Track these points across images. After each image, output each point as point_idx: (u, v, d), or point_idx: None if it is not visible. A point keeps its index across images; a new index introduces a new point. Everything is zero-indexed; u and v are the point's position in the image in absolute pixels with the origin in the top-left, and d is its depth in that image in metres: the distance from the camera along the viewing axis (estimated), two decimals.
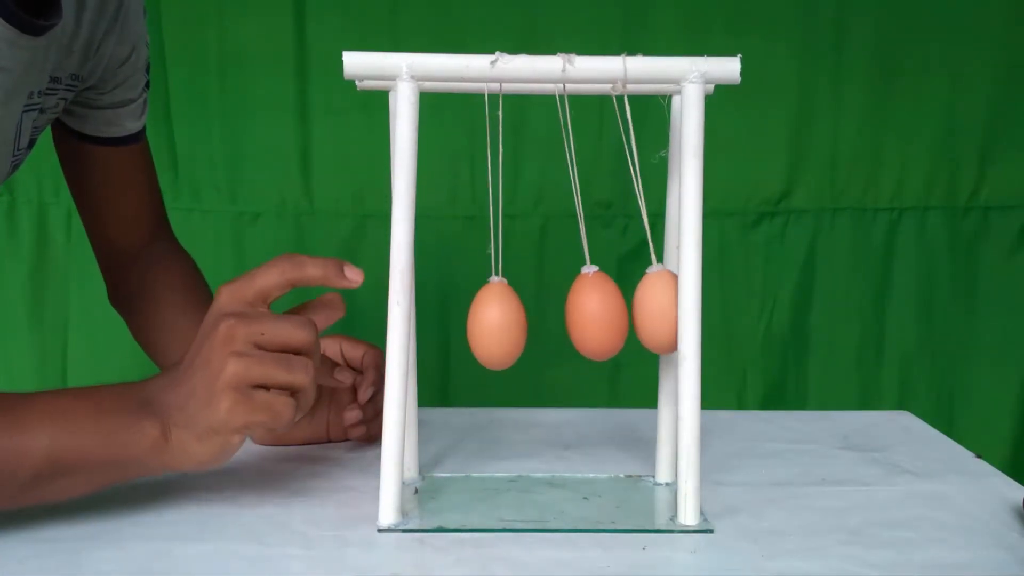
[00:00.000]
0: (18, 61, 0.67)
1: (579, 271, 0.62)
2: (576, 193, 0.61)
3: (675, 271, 0.61)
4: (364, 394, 0.73)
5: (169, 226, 0.93)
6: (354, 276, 0.61)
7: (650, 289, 0.61)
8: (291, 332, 0.58)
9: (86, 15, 0.75)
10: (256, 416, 0.57)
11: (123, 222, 0.89)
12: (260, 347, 0.57)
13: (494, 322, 0.61)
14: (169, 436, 0.57)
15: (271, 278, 0.59)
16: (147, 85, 0.86)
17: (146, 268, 0.88)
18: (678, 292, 0.60)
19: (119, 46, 0.80)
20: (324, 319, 0.62)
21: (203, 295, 0.87)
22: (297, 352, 0.59)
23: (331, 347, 0.74)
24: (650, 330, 0.61)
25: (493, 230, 0.60)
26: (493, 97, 0.60)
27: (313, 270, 0.60)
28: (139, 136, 0.87)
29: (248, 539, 0.59)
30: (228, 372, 0.56)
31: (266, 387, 0.57)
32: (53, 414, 0.57)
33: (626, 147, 0.58)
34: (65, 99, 0.78)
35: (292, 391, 0.58)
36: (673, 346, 0.61)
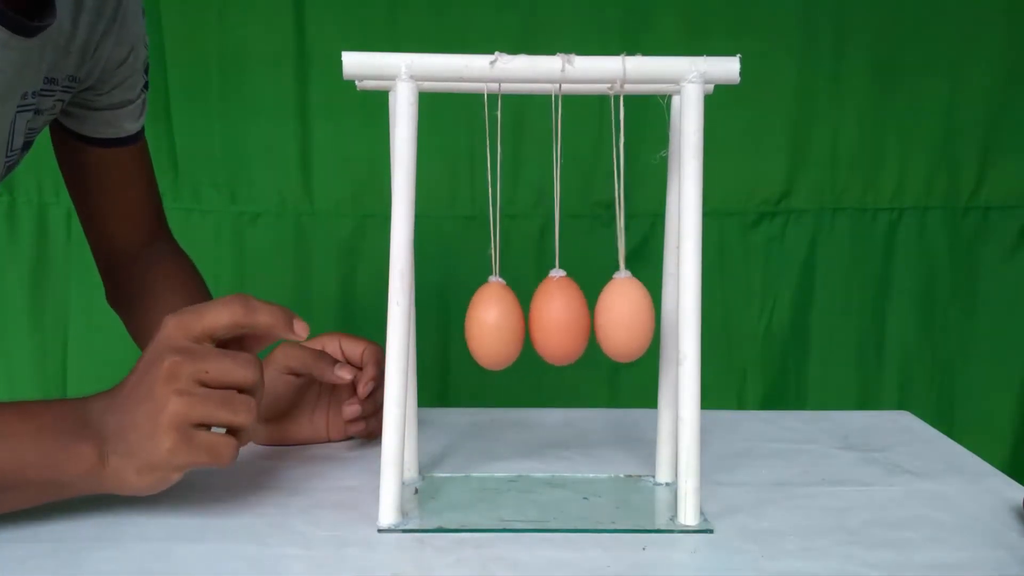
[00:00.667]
0: (10, 62, 0.67)
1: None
2: (556, 195, 0.62)
3: (675, 271, 0.61)
4: (364, 389, 0.73)
5: (168, 226, 0.93)
6: (300, 331, 0.61)
7: (610, 296, 0.61)
8: (235, 371, 0.58)
9: (83, 16, 0.75)
10: (197, 457, 0.57)
11: (121, 222, 0.89)
12: (204, 384, 0.57)
13: (491, 322, 0.61)
14: (106, 462, 0.57)
15: (221, 319, 0.59)
16: (146, 86, 0.86)
17: (145, 269, 0.88)
18: (678, 292, 0.60)
19: (117, 47, 0.80)
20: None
21: (202, 296, 0.87)
22: (241, 390, 0.58)
23: (331, 344, 0.74)
24: (611, 338, 0.61)
25: (493, 230, 0.60)
26: (493, 97, 0.60)
27: (264, 318, 0.60)
28: (137, 137, 0.87)
29: (248, 539, 0.59)
30: (170, 410, 0.56)
31: (208, 425, 0.57)
32: None
33: (614, 149, 0.58)
34: (63, 100, 0.78)
35: (234, 430, 0.58)
36: (634, 354, 0.61)
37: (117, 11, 0.79)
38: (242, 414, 0.58)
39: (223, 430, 0.59)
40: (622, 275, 0.62)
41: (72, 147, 0.85)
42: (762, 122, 1.49)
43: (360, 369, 0.74)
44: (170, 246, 0.92)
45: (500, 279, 0.62)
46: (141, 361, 0.59)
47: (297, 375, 0.73)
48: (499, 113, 0.58)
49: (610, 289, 0.61)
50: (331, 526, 0.61)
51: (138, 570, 0.54)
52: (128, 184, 0.88)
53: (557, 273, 0.62)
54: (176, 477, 0.58)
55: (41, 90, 0.73)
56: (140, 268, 0.88)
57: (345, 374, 0.72)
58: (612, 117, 0.58)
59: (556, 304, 0.61)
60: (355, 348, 0.74)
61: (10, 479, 0.56)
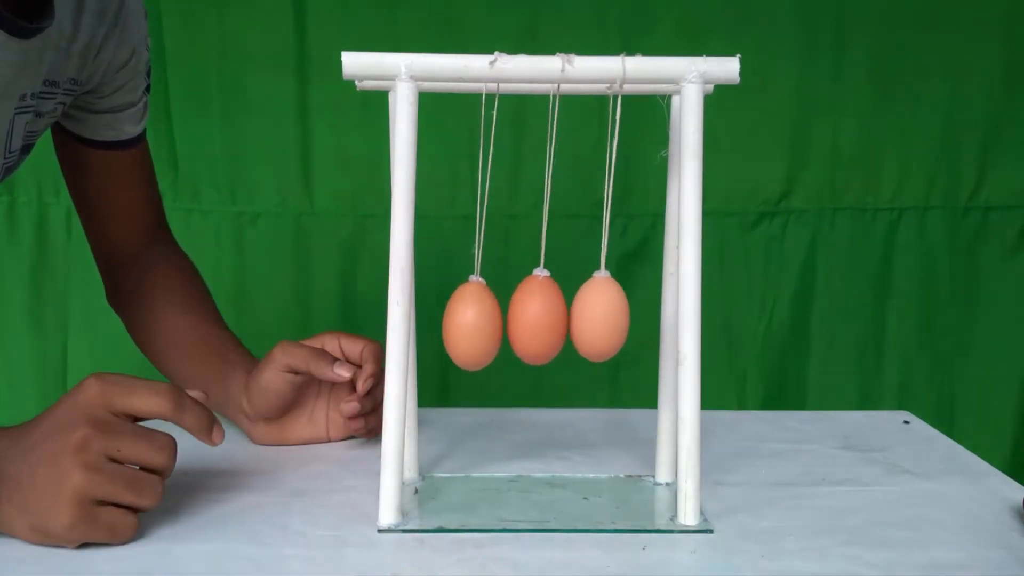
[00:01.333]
0: (7, 63, 0.67)
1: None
2: (547, 194, 0.61)
3: (675, 271, 0.61)
4: (363, 386, 0.72)
5: (168, 228, 0.93)
6: (217, 439, 0.60)
7: (585, 296, 0.61)
8: (149, 455, 0.57)
9: (85, 19, 0.75)
10: (95, 534, 0.56)
11: (122, 224, 0.89)
12: (114, 460, 0.56)
13: (468, 323, 0.61)
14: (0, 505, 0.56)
15: (148, 406, 0.57)
16: (148, 89, 0.86)
17: (145, 269, 0.88)
18: (678, 292, 0.60)
19: (119, 50, 0.80)
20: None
21: (202, 296, 0.87)
22: (150, 470, 0.57)
23: (330, 343, 0.74)
24: (583, 336, 0.61)
25: (479, 228, 0.60)
26: (490, 96, 0.60)
27: (189, 420, 0.59)
28: (139, 139, 0.87)
29: (248, 539, 0.59)
30: (74, 484, 0.54)
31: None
32: None
33: (608, 148, 0.58)
34: (64, 103, 0.78)
35: (136, 510, 0.57)
36: (607, 353, 0.61)
37: (119, 14, 0.79)
38: (147, 498, 0.57)
39: None
40: (601, 275, 0.62)
41: (73, 149, 0.85)
42: (762, 122, 1.49)
43: (359, 367, 0.74)
44: (171, 247, 0.92)
45: (480, 279, 0.62)
46: (53, 414, 0.57)
47: (296, 373, 0.72)
48: (495, 112, 0.58)
49: (586, 288, 0.61)
50: (331, 526, 0.61)
51: (138, 570, 0.54)
52: (129, 186, 0.88)
53: (541, 272, 0.62)
54: (70, 547, 0.56)
55: (41, 92, 0.73)
56: (140, 269, 0.88)
57: (344, 372, 0.72)
58: (609, 117, 0.58)
59: (533, 303, 0.61)
60: (354, 346, 0.74)
61: None
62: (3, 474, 0.56)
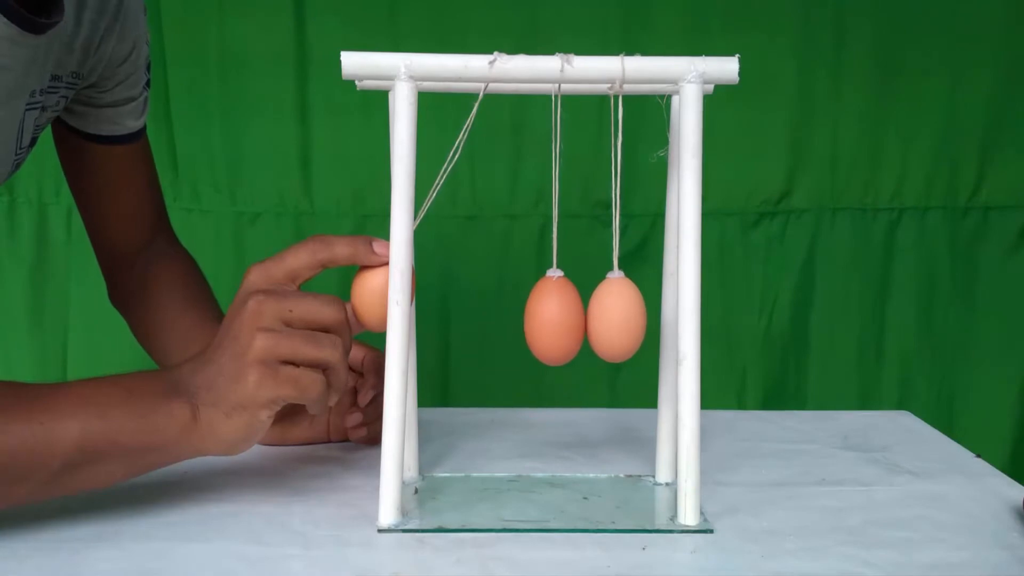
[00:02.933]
0: (20, 59, 0.67)
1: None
2: (555, 195, 0.61)
3: (675, 271, 0.61)
4: (365, 397, 0.73)
5: (170, 225, 0.93)
6: (382, 251, 0.61)
7: (602, 297, 0.61)
8: (320, 309, 0.59)
9: (86, 13, 0.75)
10: (284, 390, 0.57)
11: (123, 220, 0.89)
12: (289, 324, 0.58)
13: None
14: (198, 416, 0.58)
15: (301, 259, 0.60)
16: (148, 83, 0.86)
17: (146, 267, 0.88)
18: (678, 292, 0.60)
19: (119, 44, 0.80)
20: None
21: (204, 294, 0.87)
22: (326, 330, 0.59)
23: None
24: (602, 338, 0.61)
25: (555, 223, 0.60)
26: (489, 96, 0.60)
27: (342, 249, 0.60)
28: (140, 134, 0.87)
29: (248, 539, 0.59)
30: (256, 347, 0.57)
31: (295, 363, 0.58)
32: (82, 401, 0.57)
33: (612, 149, 0.58)
34: (66, 97, 0.78)
35: (321, 368, 0.59)
36: (625, 354, 0.61)
37: (119, 8, 0.79)
38: (328, 350, 0.58)
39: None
40: (615, 275, 0.62)
41: (74, 145, 0.85)
42: (762, 122, 1.49)
43: (361, 375, 0.74)
44: (172, 244, 0.92)
45: (559, 271, 0.62)
46: (227, 314, 0.59)
47: None
48: (473, 110, 0.58)
49: (603, 289, 0.61)
50: (331, 526, 0.61)
51: (138, 570, 0.54)
52: (130, 182, 0.88)
53: (555, 273, 0.62)
54: (265, 416, 0.58)
55: (48, 87, 0.73)
56: (142, 266, 0.88)
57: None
58: (611, 117, 0.58)
59: (551, 304, 0.61)
60: (356, 354, 0.74)
61: (103, 448, 0.56)
62: (195, 387, 0.58)
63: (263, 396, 0.57)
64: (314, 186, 1.48)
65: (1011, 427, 1.58)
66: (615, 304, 0.61)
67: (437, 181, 0.59)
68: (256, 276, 0.60)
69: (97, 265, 0.92)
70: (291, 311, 0.58)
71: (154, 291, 0.86)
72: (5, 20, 0.63)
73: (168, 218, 0.93)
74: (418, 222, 0.58)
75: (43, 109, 0.75)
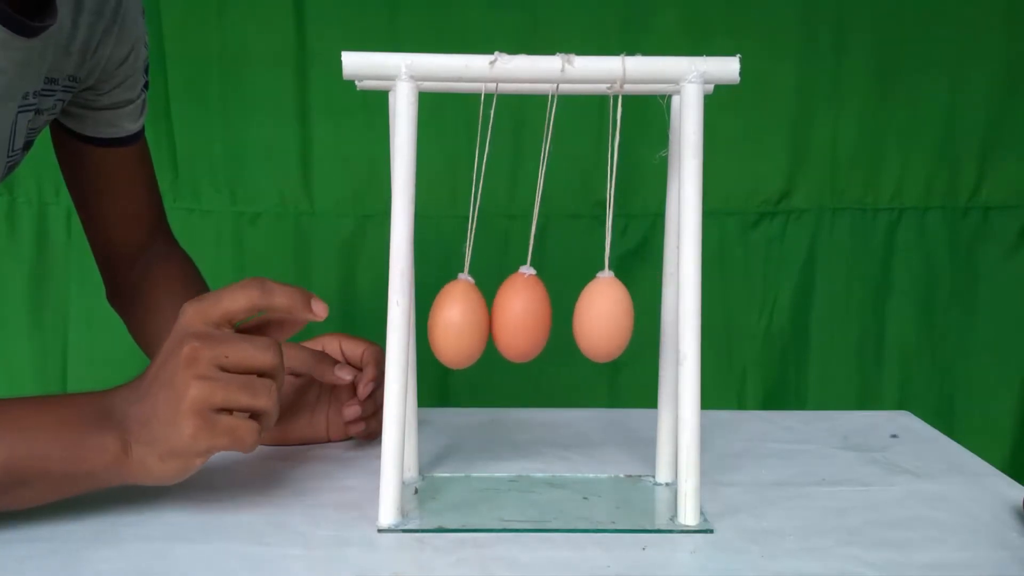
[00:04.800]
0: (12, 62, 0.67)
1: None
2: (538, 192, 0.62)
3: (675, 271, 0.61)
4: (364, 389, 0.73)
5: (168, 226, 0.93)
6: (319, 311, 0.61)
7: (588, 296, 0.61)
8: (255, 355, 0.58)
9: (83, 16, 0.75)
10: (219, 441, 0.57)
11: (122, 222, 0.89)
12: (224, 369, 0.57)
13: (455, 321, 0.61)
14: (130, 451, 0.57)
15: (238, 302, 0.59)
16: (146, 86, 0.86)
17: (145, 268, 0.88)
18: (678, 292, 0.60)
19: (117, 47, 0.80)
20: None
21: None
22: (261, 374, 0.59)
23: (331, 345, 0.74)
24: (586, 337, 0.61)
25: (470, 227, 0.60)
26: (488, 96, 0.60)
27: (281, 299, 0.60)
28: (138, 137, 0.87)
29: (248, 539, 0.59)
30: (191, 396, 0.56)
31: (229, 410, 0.57)
32: (12, 424, 0.56)
33: (609, 148, 0.58)
34: (63, 100, 0.78)
35: (255, 414, 0.58)
36: (610, 354, 0.61)
37: (117, 11, 0.79)
38: (263, 398, 0.58)
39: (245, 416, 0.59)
40: (605, 275, 0.62)
41: (72, 147, 0.85)
42: (762, 122, 1.49)
43: (360, 370, 0.74)
44: (171, 245, 0.92)
45: (469, 277, 0.62)
46: (162, 351, 0.59)
47: (297, 375, 0.73)
48: (491, 112, 0.58)
49: (590, 289, 0.61)
50: (331, 526, 0.61)
51: (138, 570, 0.54)
52: (128, 184, 0.88)
53: (528, 271, 0.62)
54: (199, 463, 0.58)
55: (42, 90, 0.73)
56: (140, 268, 0.88)
57: (345, 375, 0.72)
58: (610, 117, 0.58)
59: (518, 302, 0.61)
60: (355, 349, 0.74)
61: (33, 472, 0.56)
62: (128, 421, 0.58)
63: (198, 447, 0.57)
64: (314, 186, 1.48)
65: (1011, 427, 1.58)
66: (599, 303, 0.61)
67: (476, 191, 0.58)
68: (192, 316, 0.59)
69: (89, 270, 0.92)
70: (227, 357, 0.57)
71: (152, 291, 0.86)
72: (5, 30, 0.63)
73: (166, 219, 0.93)
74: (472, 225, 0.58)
75: (38, 112, 0.75)
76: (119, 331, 0.91)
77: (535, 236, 0.62)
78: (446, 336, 0.61)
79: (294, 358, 0.72)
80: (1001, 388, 1.57)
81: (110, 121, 0.84)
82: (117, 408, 0.58)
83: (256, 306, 0.59)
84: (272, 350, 0.59)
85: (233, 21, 1.44)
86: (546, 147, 0.60)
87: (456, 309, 0.61)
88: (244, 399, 0.57)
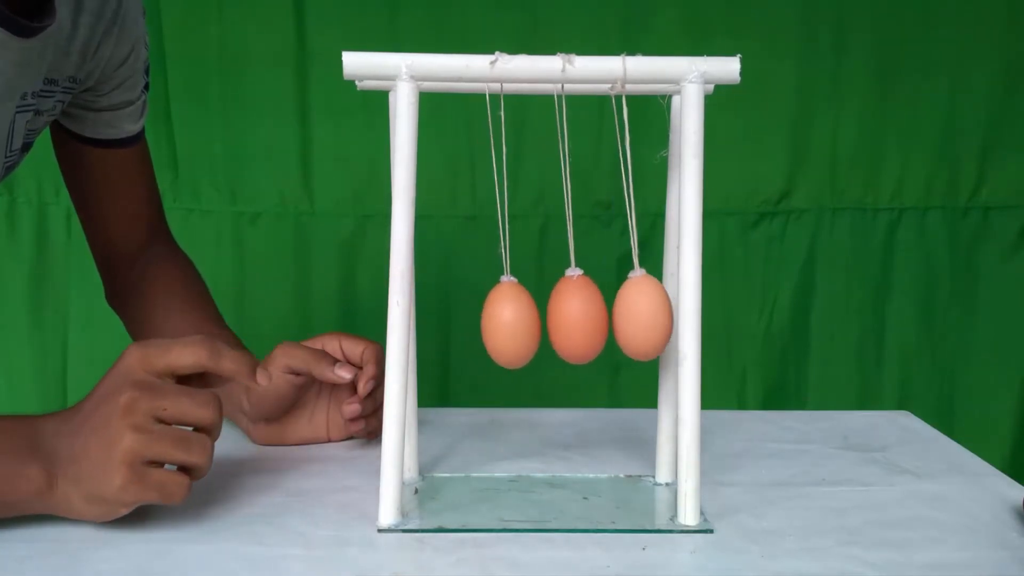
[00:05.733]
0: (9, 63, 0.67)
1: (582, 271, 0.62)
2: (567, 194, 0.61)
3: (675, 271, 0.61)
4: (364, 387, 0.73)
5: (167, 227, 0.93)
6: (263, 380, 0.60)
7: (629, 295, 0.61)
8: (193, 410, 0.57)
9: (83, 17, 0.75)
10: (148, 494, 0.56)
11: (121, 223, 0.89)
12: (160, 421, 0.56)
13: (508, 320, 0.60)
14: (55, 486, 0.57)
15: (185, 359, 0.58)
16: (146, 87, 0.86)
17: (144, 268, 0.88)
18: (678, 292, 0.60)
19: (118, 47, 0.80)
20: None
21: (200, 295, 0.87)
22: (198, 428, 0.58)
23: (331, 344, 0.74)
24: (631, 336, 0.61)
25: (502, 230, 0.60)
26: (493, 97, 0.60)
27: (228, 365, 0.59)
28: (138, 138, 0.87)
29: (248, 539, 0.59)
30: (124, 446, 0.55)
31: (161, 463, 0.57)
32: None
33: (620, 149, 0.58)
34: (63, 101, 0.78)
35: (187, 469, 0.58)
36: (654, 352, 0.61)
37: (117, 12, 0.79)
38: (196, 454, 0.57)
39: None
40: (638, 273, 0.61)
41: (72, 148, 0.85)
42: (762, 122, 1.49)
43: (360, 368, 0.74)
44: (170, 246, 0.92)
45: (513, 278, 0.61)
46: (99, 388, 0.58)
47: (297, 374, 0.73)
48: (502, 113, 0.58)
49: (629, 288, 0.61)
50: (331, 526, 0.61)
51: (138, 570, 0.54)
52: (128, 185, 0.88)
53: (574, 272, 0.61)
54: (125, 511, 0.57)
55: (41, 91, 0.73)
56: (140, 268, 0.88)
57: (345, 373, 0.72)
58: (615, 118, 0.58)
59: (575, 303, 0.60)
60: (355, 347, 0.74)
61: None
62: (56, 452, 0.57)
63: (126, 498, 0.56)
64: (314, 186, 1.48)
65: (1011, 427, 1.58)
66: (644, 303, 0.60)
67: (500, 194, 0.58)
68: (135, 361, 0.57)
69: (89, 270, 0.92)
70: (165, 409, 0.56)
71: (152, 293, 0.86)
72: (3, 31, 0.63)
73: (166, 220, 0.93)
74: (511, 222, 0.58)
75: (37, 113, 0.75)
76: (119, 331, 0.91)
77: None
78: (501, 336, 0.60)
79: (294, 357, 0.72)
80: (1001, 388, 1.57)
81: (110, 122, 0.84)
82: (47, 439, 0.58)
83: (203, 367, 0.58)
84: (211, 406, 0.58)
85: (233, 21, 1.44)
86: (564, 148, 0.59)
87: (508, 309, 0.60)
88: (178, 454, 0.57)
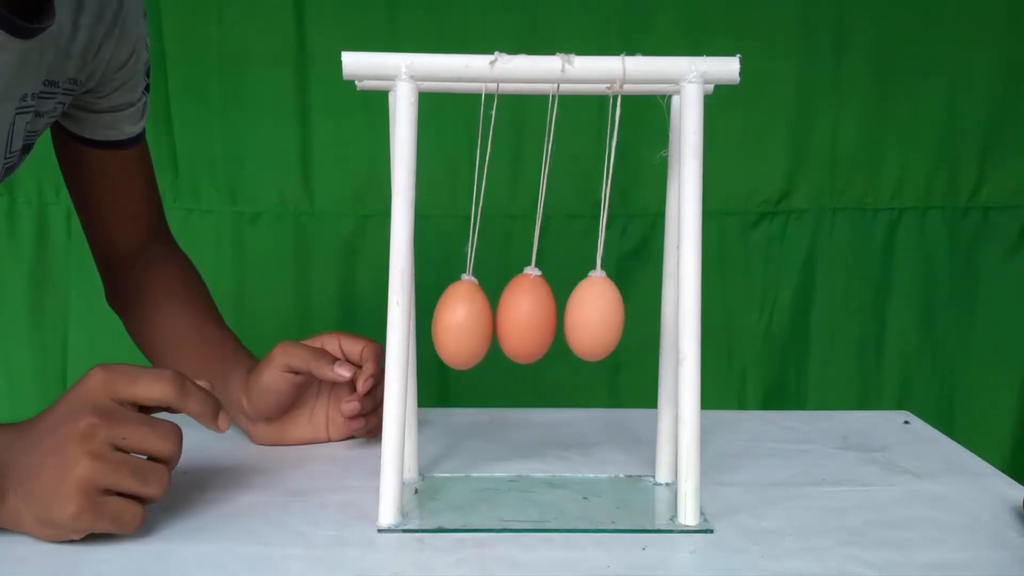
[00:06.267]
0: (7, 64, 0.67)
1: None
2: (541, 193, 0.61)
3: (675, 271, 0.61)
4: (363, 385, 0.72)
5: (167, 227, 0.93)
6: (223, 425, 0.60)
7: (579, 296, 0.61)
8: (154, 442, 0.57)
9: (84, 19, 0.75)
10: (101, 524, 0.56)
11: (121, 224, 0.89)
12: (119, 449, 0.56)
13: (458, 322, 0.60)
14: (6, 500, 0.56)
15: (152, 392, 0.57)
16: (147, 88, 0.86)
17: (144, 269, 0.88)
18: (678, 292, 0.60)
19: (118, 49, 0.80)
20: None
21: (200, 296, 0.87)
22: (156, 457, 0.57)
23: (330, 343, 0.74)
24: (577, 337, 0.61)
25: (472, 228, 0.60)
26: (490, 97, 0.60)
27: (193, 406, 0.58)
28: (138, 139, 0.87)
29: (248, 539, 0.59)
30: (80, 474, 0.54)
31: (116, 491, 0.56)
32: None
33: (607, 147, 0.58)
34: (63, 103, 0.78)
35: (142, 499, 0.57)
36: (598, 354, 0.61)
37: (118, 14, 0.79)
38: (153, 486, 0.57)
39: None
40: (597, 274, 0.61)
41: (72, 149, 0.85)
42: (762, 122, 1.49)
43: (359, 367, 0.74)
44: (170, 247, 0.92)
45: (472, 278, 0.62)
46: (59, 406, 0.57)
47: (296, 373, 0.72)
48: (494, 111, 0.58)
49: (580, 288, 0.61)
50: (331, 526, 0.61)
51: (138, 570, 0.54)
52: (128, 186, 0.88)
53: (532, 271, 0.62)
54: (76, 537, 0.56)
55: (41, 92, 0.73)
56: (139, 269, 0.88)
57: (344, 372, 0.72)
58: (609, 117, 0.58)
59: (523, 302, 0.61)
60: (355, 346, 0.74)
61: None
62: (9, 466, 0.56)
63: (78, 526, 0.55)
64: (314, 186, 1.48)
65: (1011, 427, 1.58)
66: (589, 302, 0.61)
67: (478, 191, 0.58)
68: (99, 385, 0.56)
69: (89, 270, 0.92)
70: (124, 439, 0.55)
71: (152, 293, 0.86)
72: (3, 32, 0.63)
73: (166, 221, 0.93)
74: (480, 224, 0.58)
75: (37, 114, 0.74)
76: (119, 331, 0.91)
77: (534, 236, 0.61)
78: (449, 337, 0.61)
79: (293, 356, 0.72)
80: (1001, 388, 1.57)
81: (110, 124, 0.84)
82: (0, 451, 0.57)
83: (168, 404, 0.58)
84: (171, 439, 0.57)
85: (233, 21, 1.44)
86: (548, 148, 0.60)
87: (460, 310, 0.61)
88: (134, 485, 0.56)
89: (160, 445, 0.57)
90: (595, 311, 0.61)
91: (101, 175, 0.86)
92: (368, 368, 0.73)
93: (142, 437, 0.56)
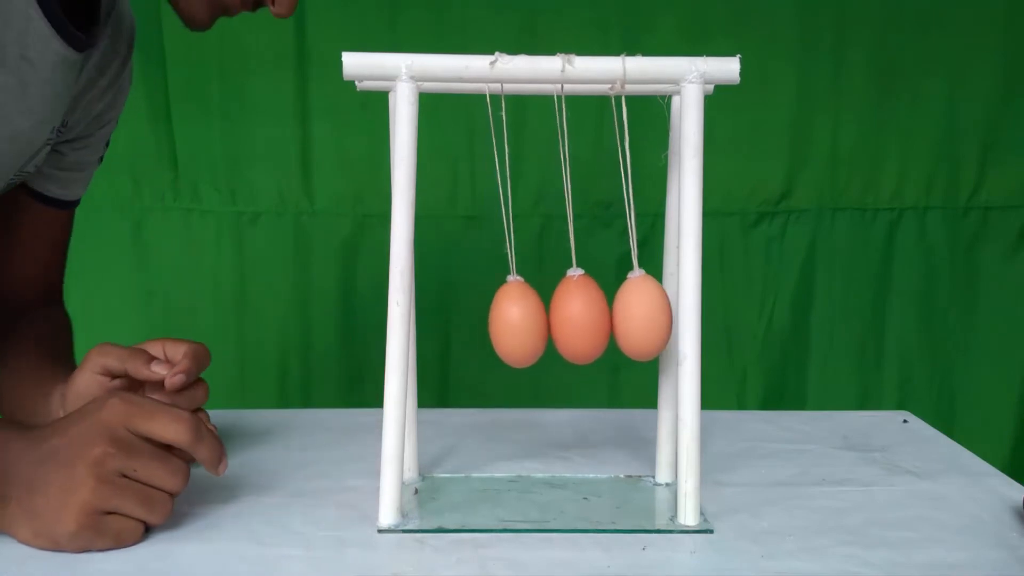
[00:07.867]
0: (65, 85, 0.66)
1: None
2: (568, 194, 0.61)
3: (675, 271, 0.61)
4: (171, 380, 0.68)
5: (61, 292, 0.90)
6: (223, 471, 0.60)
7: (627, 296, 0.61)
8: (162, 478, 0.57)
9: (87, 70, 0.74)
10: (99, 543, 0.56)
11: (24, 280, 0.86)
12: (127, 477, 0.56)
13: (516, 320, 0.60)
14: (7, 507, 0.56)
15: (167, 432, 0.57)
16: (100, 160, 0.85)
17: (26, 326, 0.84)
18: (678, 292, 0.60)
19: (100, 104, 0.80)
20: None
21: (63, 355, 0.83)
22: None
23: (153, 347, 0.71)
24: (630, 336, 0.61)
25: (508, 231, 0.60)
26: (494, 97, 0.60)
27: (202, 452, 0.59)
28: (75, 204, 0.86)
29: (248, 539, 0.59)
30: (85, 496, 0.55)
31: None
32: None
33: (620, 150, 0.58)
34: (48, 145, 0.76)
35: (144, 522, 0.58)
36: (653, 352, 0.61)
37: (120, 75, 0.79)
38: (156, 515, 0.57)
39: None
40: (636, 274, 0.61)
41: (12, 195, 0.81)
42: (762, 122, 1.49)
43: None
44: (58, 308, 0.89)
45: (519, 277, 0.62)
46: (73, 426, 0.57)
47: (112, 376, 0.70)
48: (503, 113, 0.58)
49: (627, 288, 0.61)
50: (331, 526, 0.61)
51: (138, 570, 0.55)
52: (48, 247, 0.87)
53: (575, 272, 0.61)
54: (73, 551, 0.56)
55: (60, 126, 0.73)
56: (23, 324, 0.84)
57: (161, 370, 0.68)
58: (615, 118, 0.58)
59: (577, 303, 0.61)
60: (177, 348, 0.70)
61: None
62: (16, 476, 0.56)
63: (77, 544, 0.56)
64: (314, 186, 1.48)
65: (1011, 427, 1.58)
66: (643, 303, 0.60)
67: (504, 194, 0.58)
68: (117, 414, 0.56)
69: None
70: (135, 471, 0.56)
71: (16, 337, 0.82)
72: (62, 42, 0.63)
73: (62, 287, 0.90)
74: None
75: (33, 156, 0.73)
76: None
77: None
78: (509, 335, 0.61)
79: (108, 355, 0.69)
80: (1001, 388, 1.57)
81: (63, 182, 0.82)
82: (8, 455, 0.56)
83: (180, 445, 0.58)
84: (179, 475, 0.58)
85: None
86: (564, 149, 0.60)
87: (515, 308, 0.61)
88: (138, 511, 0.56)
89: (169, 481, 0.57)
90: (643, 310, 0.60)
91: (27, 227, 0.83)
92: (181, 364, 0.69)
93: (152, 472, 0.57)
